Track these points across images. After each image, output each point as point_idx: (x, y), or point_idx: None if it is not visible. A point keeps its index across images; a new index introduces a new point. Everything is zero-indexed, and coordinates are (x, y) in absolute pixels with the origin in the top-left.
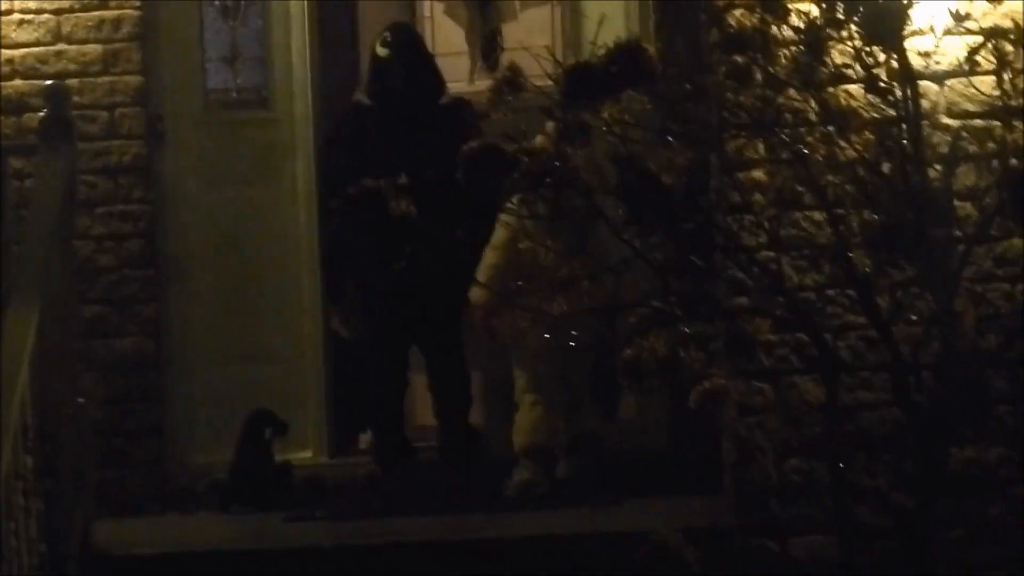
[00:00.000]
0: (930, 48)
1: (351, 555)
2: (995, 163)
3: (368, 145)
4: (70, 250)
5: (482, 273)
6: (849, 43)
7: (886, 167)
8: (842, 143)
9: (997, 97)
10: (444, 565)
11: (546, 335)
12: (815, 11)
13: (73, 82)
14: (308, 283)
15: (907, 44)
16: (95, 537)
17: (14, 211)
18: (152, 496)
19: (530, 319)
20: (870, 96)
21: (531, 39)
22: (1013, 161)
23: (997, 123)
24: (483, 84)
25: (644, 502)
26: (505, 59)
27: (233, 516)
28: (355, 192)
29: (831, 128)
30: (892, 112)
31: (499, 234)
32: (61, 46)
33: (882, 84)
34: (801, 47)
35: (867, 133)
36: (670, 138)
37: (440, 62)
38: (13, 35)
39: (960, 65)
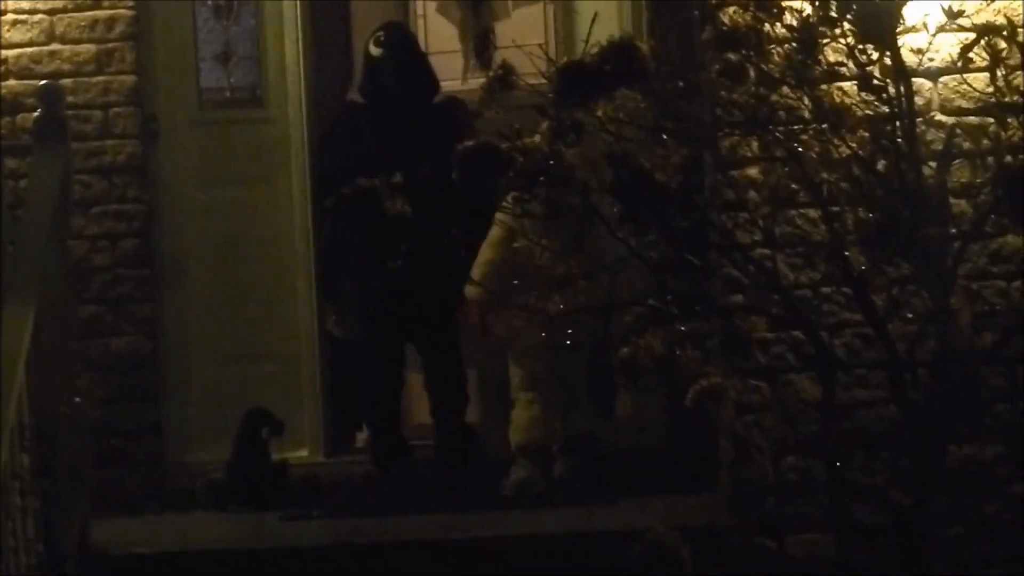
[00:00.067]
0: (923, 45)
1: (348, 554)
2: (990, 160)
3: (362, 144)
4: (66, 250)
5: (477, 269)
6: (842, 40)
7: (880, 164)
8: (836, 141)
9: (991, 94)
10: (441, 564)
11: (542, 334)
12: (808, 9)
13: (67, 82)
14: (303, 282)
15: (900, 41)
16: (93, 536)
17: (9, 211)
18: (149, 495)
19: (526, 318)
20: (864, 93)
21: (524, 37)
22: (1008, 158)
23: (991, 120)
24: (476, 83)
25: (641, 500)
26: (498, 58)
27: (230, 515)
28: (349, 191)
29: (825, 126)
30: (886, 109)
31: (495, 232)
32: (55, 46)
33: (876, 81)
34: (795, 45)
35: (861, 131)
36: (664, 136)
37: (433, 61)
38: (7, 35)
39: (953, 62)
